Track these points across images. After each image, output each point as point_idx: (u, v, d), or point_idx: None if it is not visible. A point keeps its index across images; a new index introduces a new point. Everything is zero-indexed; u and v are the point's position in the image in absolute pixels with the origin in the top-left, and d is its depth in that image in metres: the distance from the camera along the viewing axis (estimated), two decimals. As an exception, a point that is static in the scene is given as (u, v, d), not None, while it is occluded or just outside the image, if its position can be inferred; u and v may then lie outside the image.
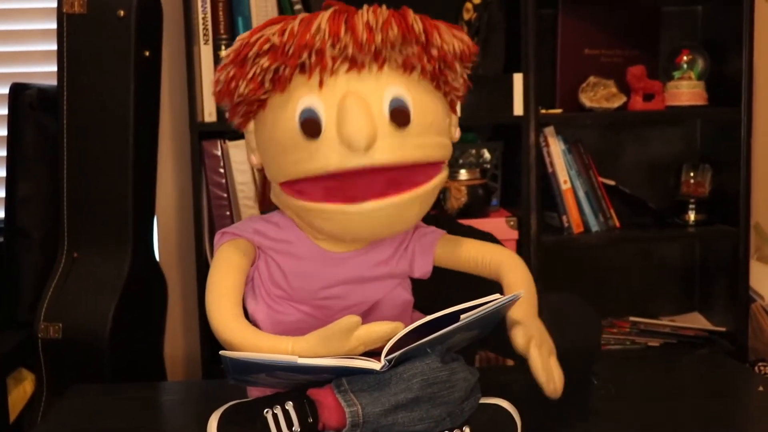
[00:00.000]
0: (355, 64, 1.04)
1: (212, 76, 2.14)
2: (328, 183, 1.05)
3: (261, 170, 1.28)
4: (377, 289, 1.18)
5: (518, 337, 1.08)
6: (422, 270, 1.22)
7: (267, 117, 1.10)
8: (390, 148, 1.04)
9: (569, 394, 1.11)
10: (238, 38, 1.08)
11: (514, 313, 1.12)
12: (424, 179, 1.08)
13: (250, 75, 1.06)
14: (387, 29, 1.03)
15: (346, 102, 1.03)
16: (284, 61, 1.04)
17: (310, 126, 1.05)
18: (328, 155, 1.04)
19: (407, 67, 1.07)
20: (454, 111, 1.17)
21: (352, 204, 1.04)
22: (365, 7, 1.06)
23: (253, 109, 1.11)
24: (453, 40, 1.09)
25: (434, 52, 1.07)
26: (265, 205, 1.27)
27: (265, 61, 1.05)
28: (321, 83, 1.05)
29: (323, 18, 1.04)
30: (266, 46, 1.04)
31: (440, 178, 1.11)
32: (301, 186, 1.08)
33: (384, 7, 1.07)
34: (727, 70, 2.36)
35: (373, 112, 1.03)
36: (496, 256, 1.21)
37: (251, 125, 1.14)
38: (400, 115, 1.05)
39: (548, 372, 1.08)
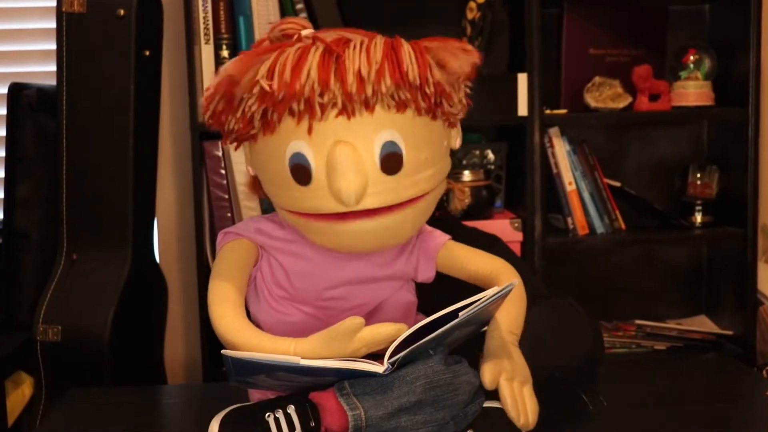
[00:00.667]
0: (345, 111, 1.02)
1: (213, 76, 2.13)
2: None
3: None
4: (381, 290, 1.18)
5: (485, 375, 1.05)
6: (425, 275, 1.22)
7: (259, 151, 1.10)
8: (382, 195, 1.04)
9: (571, 400, 1.09)
10: (224, 68, 1.05)
11: (491, 340, 1.11)
12: (421, 195, 1.09)
13: (238, 114, 1.05)
14: (379, 80, 1.01)
15: (335, 154, 1.02)
16: (273, 106, 1.03)
17: (300, 173, 1.05)
18: (320, 202, 1.04)
19: (399, 108, 1.04)
20: (453, 126, 1.15)
21: (343, 222, 1.04)
22: (357, 43, 1.02)
23: (245, 139, 1.11)
24: (449, 72, 1.05)
25: (429, 90, 1.04)
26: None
27: (253, 104, 1.03)
28: (310, 129, 1.03)
29: (312, 62, 1.01)
30: (256, 89, 1.02)
31: (439, 188, 1.11)
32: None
33: (378, 40, 1.03)
34: (735, 70, 2.35)
35: (363, 162, 1.02)
36: (494, 269, 1.20)
37: (246, 144, 1.14)
38: (392, 162, 1.04)
39: (518, 407, 1.05)
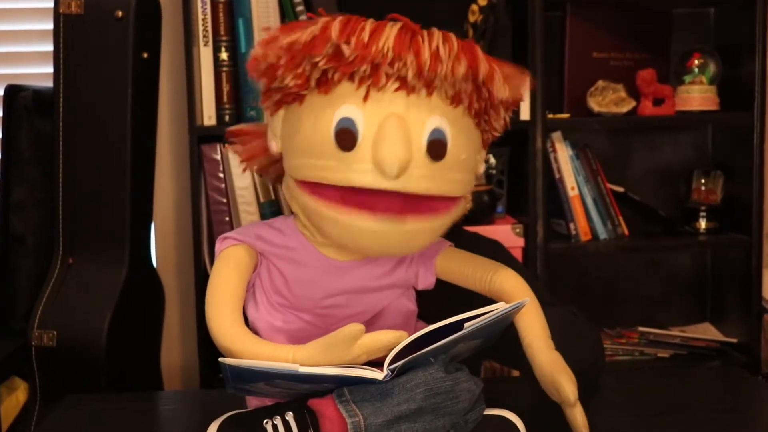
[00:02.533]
0: (405, 86, 1.02)
1: (212, 78, 2.15)
2: (347, 191, 1.04)
3: (261, 172, 1.25)
4: (381, 298, 1.17)
5: (568, 386, 1.07)
6: (426, 282, 1.20)
7: (302, 112, 1.08)
8: (421, 179, 1.03)
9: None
10: (295, 24, 1.05)
11: (540, 352, 1.11)
12: (443, 208, 1.07)
13: (299, 70, 1.04)
14: (454, 64, 1.02)
15: (387, 124, 1.01)
16: (340, 67, 1.02)
17: (346, 137, 1.03)
18: (358, 172, 1.02)
19: (455, 101, 1.05)
20: (485, 147, 1.16)
21: (369, 215, 1.03)
22: (435, 31, 1.04)
23: (289, 100, 1.09)
24: (506, 90, 1.08)
25: (485, 93, 1.06)
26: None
27: (321, 61, 1.03)
28: (366, 96, 1.03)
29: (391, 33, 1.01)
30: (328, 48, 1.02)
31: (458, 209, 1.11)
32: (320, 188, 1.06)
33: (453, 36, 1.05)
34: (740, 75, 2.35)
35: (411, 139, 1.02)
36: (497, 275, 1.18)
37: (282, 112, 1.12)
38: (437, 148, 1.04)
39: (587, 425, 1.09)
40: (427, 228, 1.07)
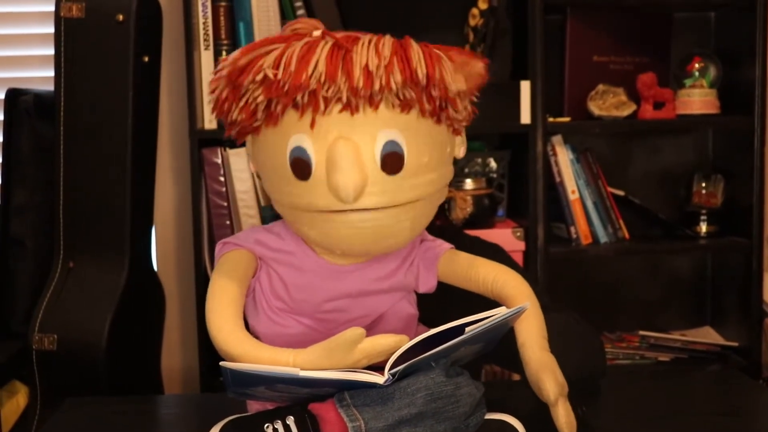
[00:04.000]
0: (348, 106, 1.01)
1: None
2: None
3: None
4: (381, 302, 1.16)
5: (549, 385, 1.06)
6: (427, 285, 1.20)
7: (260, 142, 1.09)
8: (380, 195, 1.03)
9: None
10: (232, 55, 1.04)
11: (532, 350, 1.10)
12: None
13: (242, 103, 1.04)
14: (388, 75, 0.99)
15: (335, 149, 1.00)
16: (278, 97, 1.02)
17: (300, 167, 1.04)
18: (317, 199, 1.03)
19: (404, 107, 1.03)
20: (458, 133, 1.13)
21: (341, 214, 1.03)
22: (366, 40, 1.01)
23: (247, 131, 1.10)
24: (459, 80, 1.05)
25: (435, 92, 1.03)
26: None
27: (258, 94, 1.02)
28: (313, 123, 1.02)
29: (321, 55, 1.00)
30: (259, 77, 1.01)
31: (433, 198, 1.09)
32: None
33: (387, 39, 1.02)
34: (740, 78, 2.34)
35: (363, 159, 1.01)
36: (497, 275, 1.17)
37: (249, 137, 1.13)
38: (392, 162, 1.03)
39: (572, 425, 1.07)
40: (409, 214, 1.06)
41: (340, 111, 1.01)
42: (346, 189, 0.99)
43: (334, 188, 1.00)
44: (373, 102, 1.01)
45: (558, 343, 1.14)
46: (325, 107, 1.00)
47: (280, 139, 1.04)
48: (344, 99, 1.00)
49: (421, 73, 1.00)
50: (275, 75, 1.00)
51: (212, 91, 1.07)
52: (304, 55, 1.00)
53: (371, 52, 1.00)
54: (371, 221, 1.03)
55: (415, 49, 1.02)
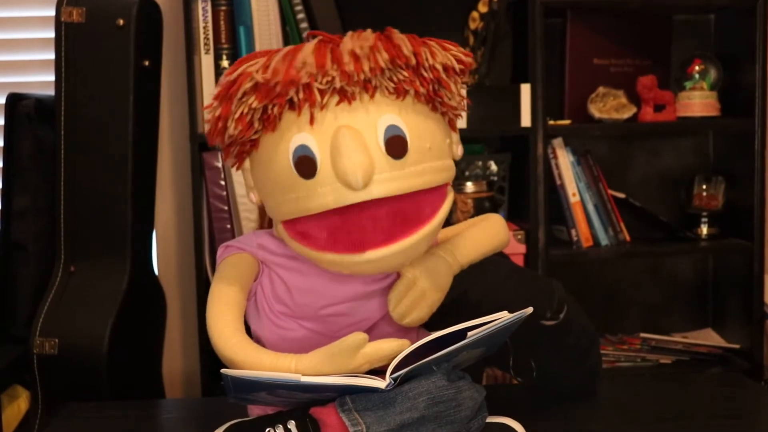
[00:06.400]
0: (345, 96, 1.01)
1: (213, 86, 2.15)
2: (331, 221, 1.03)
3: (262, 206, 1.25)
4: (384, 305, 1.14)
5: (413, 268, 1.08)
6: None
7: (261, 156, 1.08)
8: (388, 180, 1.01)
9: (575, 409, 1.09)
10: (224, 74, 1.05)
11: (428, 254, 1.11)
12: (431, 211, 1.05)
13: (237, 115, 1.03)
14: (375, 55, 1.00)
15: (338, 137, 1.00)
16: (272, 100, 1.01)
17: (305, 165, 1.02)
18: (326, 194, 1.01)
19: (400, 93, 1.03)
20: (454, 129, 1.14)
21: (359, 254, 1.02)
22: (349, 34, 1.02)
23: (246, 149, 1.09)
24: (445, 58, 1.05)
25: (426, 73, 1.04)
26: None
27: (252, 101, 1.02)
28: (312, 119, 1.02)
29: (307, 50, 1.00)
30: (249, 84, 1.01)
31: (447, 206, 1.08)
32: (304, 227, 1.05)
33: (369, 31, 1.03)
34: (741, 80, 2.35)
35: (368, 144, 1.00)
36: (474, 221, 1.20)
37: (247, 163, 1.11)
38: (396, 145, 1.02)
39: (403, 298, 1.08)
40: (420, 239, 1.04)
41: (338, 103, 1.01)
42: (354, 172, 0.98)
43: (342, 174, 0.99)
44: (368, 87, 1.01)
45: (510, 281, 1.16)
46: (322, 100, 1.00)
47: (282, 143, 1.04)
48: (338, 86, 1.00)
49: (407, 49, 1.01)
50: (265, 78, 1.00)
51: (208, 120, 1.07)
52: (291, 54, 1.00)
53: (356, 40, 1.00)
54: (390, 253, 1.02)
55: (397, 33, 1.03)
